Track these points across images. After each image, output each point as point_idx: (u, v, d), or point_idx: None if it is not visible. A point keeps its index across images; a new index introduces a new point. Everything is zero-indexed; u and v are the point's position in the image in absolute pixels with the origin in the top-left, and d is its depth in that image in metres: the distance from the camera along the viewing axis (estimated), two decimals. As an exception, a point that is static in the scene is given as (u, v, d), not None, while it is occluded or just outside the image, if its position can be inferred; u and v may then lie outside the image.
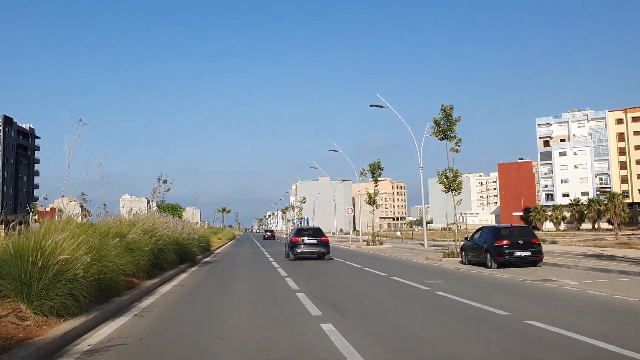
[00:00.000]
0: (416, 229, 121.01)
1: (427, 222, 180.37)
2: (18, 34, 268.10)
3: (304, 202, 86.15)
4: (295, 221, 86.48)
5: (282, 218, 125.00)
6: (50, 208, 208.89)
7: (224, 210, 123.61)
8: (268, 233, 76.80)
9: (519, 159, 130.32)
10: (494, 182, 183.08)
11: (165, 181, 31.65)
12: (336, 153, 59.13)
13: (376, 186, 40.93)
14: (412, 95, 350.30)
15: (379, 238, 41.09)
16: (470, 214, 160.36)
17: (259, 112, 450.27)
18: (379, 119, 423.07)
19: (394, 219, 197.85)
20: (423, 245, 35.63)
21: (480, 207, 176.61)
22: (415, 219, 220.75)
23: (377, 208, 39.74)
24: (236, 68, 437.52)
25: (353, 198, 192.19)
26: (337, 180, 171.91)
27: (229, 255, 27.42)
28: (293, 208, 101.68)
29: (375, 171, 40.30)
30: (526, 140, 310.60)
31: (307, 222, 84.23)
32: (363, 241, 44.84)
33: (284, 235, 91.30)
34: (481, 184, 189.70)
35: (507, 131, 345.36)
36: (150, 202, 28.07)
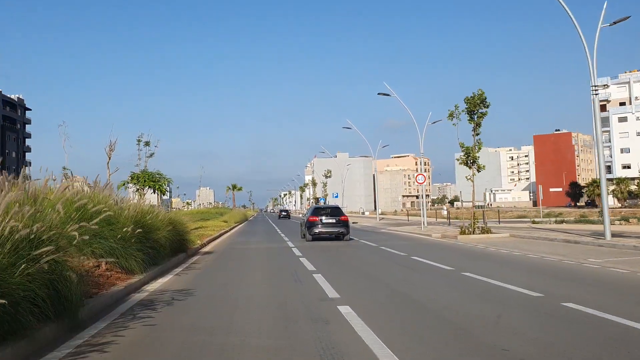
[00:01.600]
0: (444, 208, 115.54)
1: (453, 201, 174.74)
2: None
3: (329, 176, 78.23)
4: (319, 199, 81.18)
5: (301, 196, 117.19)
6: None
7: (234, 187, 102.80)
8: (283, 213, 79.37)
9: (556, 130, 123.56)
10: (526, 156, 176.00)
11: (147, 143, 25.08)
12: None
13: (477, 135, 23.59)
14: (434, 72, 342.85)
15: (480, 224, 24.23)
16: (500, 190, 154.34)
17: (272, 93, 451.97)
18: (394, 101, 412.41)
19: (417, 197, 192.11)
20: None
21: (511, 183, 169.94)
22: (436, 198, 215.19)
23: (479, 171, 23.74)
24: (250, 48, 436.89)
25: (374, 175, 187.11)
26: (357, 157, 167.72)
27: (221, 259, 15.22)
28: (314, 184, 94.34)
29: (475, 108, 22.61)
30: (563, 110, 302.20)
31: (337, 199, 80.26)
32: (435, 226, 32.77)
33: (301, 215, 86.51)
34: (512, 159, 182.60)
35: (538, 103, 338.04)
36: (108, 166, 21.71)
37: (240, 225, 41.12)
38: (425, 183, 32.43)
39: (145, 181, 23.77)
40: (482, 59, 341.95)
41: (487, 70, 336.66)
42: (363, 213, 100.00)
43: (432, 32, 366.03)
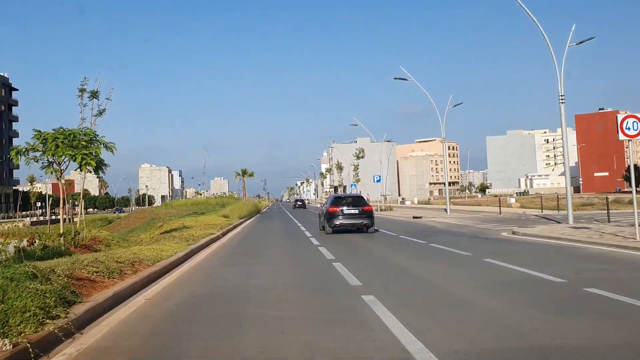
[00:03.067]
0: (479, 196, 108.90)
1: (485, 188, 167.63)
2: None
3: (362, 156, 71.68)
4: (350, 185, 75.22)
5: (322, 184, 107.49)
6: (65, 180, 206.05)
7: (244, 173, 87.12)
8: (298, 202, 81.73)
9: (600, 109, 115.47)
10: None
11: (94, 94, 17.17)
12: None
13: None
14: (449, 62, 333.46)
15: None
16: (537, 176, 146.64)
17: (287, 82, 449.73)
18: (410, 88, 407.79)
19: (444, 184, 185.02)
20: None
21: (547, 168, 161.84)
22: (462, 185, 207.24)
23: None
24: (261, 38, 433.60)
25: (397, 162, 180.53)
26: (378, 142, 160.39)
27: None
28: (339, 167, 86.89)
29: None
30: (605, 88, 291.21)
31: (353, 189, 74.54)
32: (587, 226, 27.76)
33: (319, 205, 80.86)
34: (547, 142, 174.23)
35: (577, 82, 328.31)
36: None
37: (247, 222, 31.03)
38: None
39: (58, 147, 13.46)
40: (502, 45, 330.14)
41: (515, 52, 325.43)
42: (402, 201, 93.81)
43: (447, 24, 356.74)
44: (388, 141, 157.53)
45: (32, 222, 60.63)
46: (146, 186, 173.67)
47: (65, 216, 16.15)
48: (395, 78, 35.17)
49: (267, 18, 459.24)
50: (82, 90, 17.24)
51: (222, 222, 24.44)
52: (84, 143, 13.88)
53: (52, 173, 14.76)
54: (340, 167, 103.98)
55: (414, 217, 32.30)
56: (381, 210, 47.13)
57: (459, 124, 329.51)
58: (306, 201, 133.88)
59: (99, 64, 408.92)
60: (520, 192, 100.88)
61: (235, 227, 25.61)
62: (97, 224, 38.00)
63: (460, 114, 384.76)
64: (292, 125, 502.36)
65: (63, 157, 13.76)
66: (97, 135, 14.70)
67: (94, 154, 14.08)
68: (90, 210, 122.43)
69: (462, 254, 12.34)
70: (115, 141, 14.96)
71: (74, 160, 13.85)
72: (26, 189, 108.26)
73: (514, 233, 18.17)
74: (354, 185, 54.93)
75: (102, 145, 14.49)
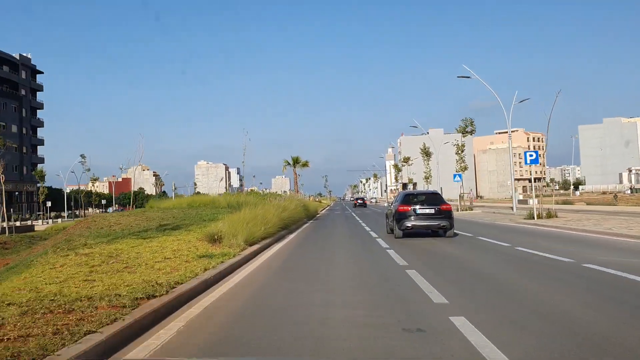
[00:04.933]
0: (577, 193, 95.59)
1: (578, 184, 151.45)
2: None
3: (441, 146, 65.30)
4: (405, 184, 65.32)
5: (396, 178, 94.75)
6: (122, 178, 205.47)
7: (296, 162, 62.60)
8: (359, 201, 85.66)
9: None
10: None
11: None
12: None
13: None
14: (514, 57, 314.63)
15: None
16: (637, 171, 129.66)
17: (352, 79, 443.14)
18: (476, 83, 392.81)
19: (529, 180, 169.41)
20: None
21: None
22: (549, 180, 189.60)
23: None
24: (329, 37, 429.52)
25: (474, 155, 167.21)
26: (453, 132, 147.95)
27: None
28: (405, 161, 76.54)
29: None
30: None
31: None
32: None
33: (386, 204, 71.60)
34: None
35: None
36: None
37: (276, 249, 15.27)
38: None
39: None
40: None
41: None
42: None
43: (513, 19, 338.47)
44: (470, 132, 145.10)
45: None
46: (195, 183, 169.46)
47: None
48: (458, 77, 35.85)
49: (340, 14, 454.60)
50: None
51: (187, 258, 11.40)
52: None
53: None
54: (405, 161, 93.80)
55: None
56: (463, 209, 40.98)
57: (544, 113, 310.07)
58: (373, 200, 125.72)
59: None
60: (637, 189, 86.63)
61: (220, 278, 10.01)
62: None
63: (547, 103, 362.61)
64: (358, 121, 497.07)
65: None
66: None
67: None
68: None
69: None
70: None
71: None
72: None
73: None
74: (460, 175, 41.56)
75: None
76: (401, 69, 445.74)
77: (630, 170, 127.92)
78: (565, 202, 46.71)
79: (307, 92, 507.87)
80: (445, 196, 22.02)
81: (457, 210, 37.69)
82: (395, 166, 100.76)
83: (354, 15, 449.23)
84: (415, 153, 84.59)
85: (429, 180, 63.12)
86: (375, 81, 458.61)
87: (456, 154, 42.14)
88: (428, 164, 64.06)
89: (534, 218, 24.65)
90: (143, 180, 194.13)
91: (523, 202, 50.34)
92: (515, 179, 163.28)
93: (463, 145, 42.12)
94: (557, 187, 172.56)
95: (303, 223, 30.44)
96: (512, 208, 37.73)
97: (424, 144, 66.62)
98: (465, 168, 41.90)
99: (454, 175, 41.66)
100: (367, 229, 23.94)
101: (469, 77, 37.90)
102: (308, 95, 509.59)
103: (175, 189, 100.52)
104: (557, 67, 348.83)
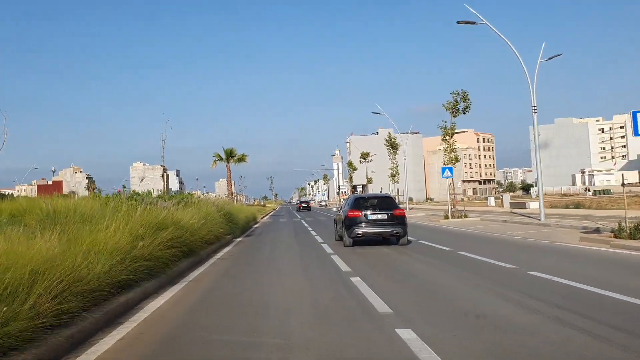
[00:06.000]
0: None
1: (529, 186, 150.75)
2: None
3: (395, 145, 57.63)
4: (355, 186, 60.85)
5: (351, 179, 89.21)
6: (53, 181, 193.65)
7: (230, 155, 50.40)
8: (303, 204, 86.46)
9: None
10: (621, 127, 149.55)
11: None
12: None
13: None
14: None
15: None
16: (597, 171, 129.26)
17: (297, 81, 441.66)
18: (426, 84, 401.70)
19: (480, 182, 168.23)
20: None
21: (602, 162, 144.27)
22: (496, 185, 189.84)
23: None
24: (277, 34, 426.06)
25: (424, 157, 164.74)
26: (407, 133, 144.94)
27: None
28: (352, 168, 70.44)
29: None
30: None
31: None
32: None
33: (334, 208, 66.35)
34: (602, 131, 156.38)
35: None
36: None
37: None
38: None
39: None
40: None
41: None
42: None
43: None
44: (414, 133, 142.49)
45: None
46: (124, 186, 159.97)
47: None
48: (458, 22, 28.31)
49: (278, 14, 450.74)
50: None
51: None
52: None
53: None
54: (353, 168, 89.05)
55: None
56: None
57: (494, 113, 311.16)
58: (322, 203, 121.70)
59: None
60: (602, 190, 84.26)
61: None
62: None
63: (498, 102, 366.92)
64: (307, 123, 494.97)
65: None
66: None
67: None
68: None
69: None
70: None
71: None
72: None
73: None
74: (451, 169, 30.38)
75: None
76: (350, 72, 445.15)
77: (583, 172, 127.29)
78: (553, 206, 41.69)
79: (255, 92, 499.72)
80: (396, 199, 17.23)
81: (448, 218, 30.60)
82: (350, 164, 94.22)
83: (294, 19, 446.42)
84: (366, 152, 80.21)
85: (395, 178, 57.10)
86: (326, 83, 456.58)
87: (443, 139, 32.26)
88: (395, 159, 57.91)
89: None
90: (75, 183, 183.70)
91: (521, 205, 43.30)
92: (465, 181, 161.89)
93: (453, 128, 31.68)
94: (501, 189, 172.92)
95: (220, 246, 18.24)
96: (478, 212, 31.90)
97: (390, 133, 61.43)
98: (457, 159, 32.33)
99: (443, 169, 31.74)
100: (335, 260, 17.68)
101: (474, 23, 26.83)
102: (256, 95, 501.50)
103: (100, 191, 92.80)
104: (505, 68, 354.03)
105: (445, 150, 32.18)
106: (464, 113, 30.94)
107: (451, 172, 31.57)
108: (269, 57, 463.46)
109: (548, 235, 18.21)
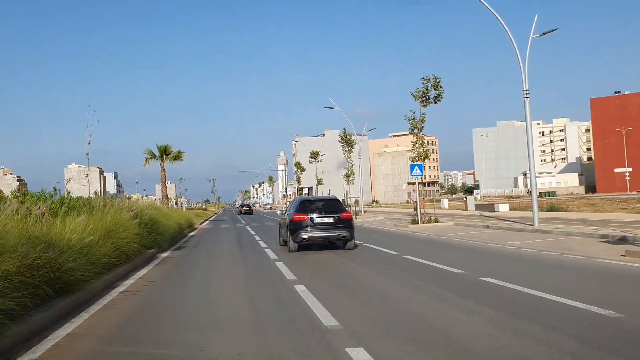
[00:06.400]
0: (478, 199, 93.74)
1: (471, 189, 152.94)
2: None
3: (350, 143, 55.77)
4: (303, 188, 59.24)
5: (299, 180, 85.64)
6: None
7: (164, 152, 45.44)
8: (245, 208, 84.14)
9: (616, 92, 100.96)
10: (561, 131, 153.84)
11: None
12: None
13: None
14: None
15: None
16: (538, 174, 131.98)
17: (239, 84, 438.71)
18: (369, 86, 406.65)
19: (424, 184, 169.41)
20: None
21: (543, 164, 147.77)
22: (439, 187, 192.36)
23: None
24: (218, 37, 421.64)
25: (369, 159, 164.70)
26: (360, 135, 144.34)
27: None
28: (300, 168, 67.83)
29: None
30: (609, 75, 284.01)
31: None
32: None
33: (279, 212, 64.34)
34: (542, 134, 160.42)
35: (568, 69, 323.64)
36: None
37: None
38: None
39: None
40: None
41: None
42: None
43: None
44: (359, 134, 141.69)
45: None
46: (56, 188, 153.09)
47: None
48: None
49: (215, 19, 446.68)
50: None
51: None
52: None
53: None
54: (301, 168, 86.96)
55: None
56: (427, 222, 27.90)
57: (437, 117, 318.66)
58: (267, 207, 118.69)
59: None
60: (547, 192, 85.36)
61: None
62: None
63: (440, 107, 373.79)
64: (253, 125, 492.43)
65: None
66: None
67: None
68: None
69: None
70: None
71: None
72: None
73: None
74: (420, 166, 27.15)
75: None
76: (295, 74, 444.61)
77: (525, 175, 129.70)
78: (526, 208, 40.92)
79: (197, 94, 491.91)
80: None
81: (417, 223, 27.25)
82: (298, 164, 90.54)
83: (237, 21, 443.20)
84: (309, 154, 78.29)
85: (350, 179, 54.15)
86: (272, 86, 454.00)
87: (411, 132, 29.07)
88: (350, 157, 55.61)
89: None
90: (4, 185, 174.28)
91: (489, 208, 41.64)
92: (410, 183, 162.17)
93: (423, 120, 28.08)
94: (442, 191, 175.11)
95: (133, 268, 12.93)
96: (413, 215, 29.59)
97: (344, 129, 59.65)
98: (427, 155, 28.98)
99: (412, 166, 28.20)
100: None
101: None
102: (200, 97, 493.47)
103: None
104: (453, 71, 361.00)
105: (414, 145, 28.96)
106: (436, 102, 27.89)
107: (421, 170, 28.28)
108: (267, 57, 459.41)
109: (567, 247, 14.54)
